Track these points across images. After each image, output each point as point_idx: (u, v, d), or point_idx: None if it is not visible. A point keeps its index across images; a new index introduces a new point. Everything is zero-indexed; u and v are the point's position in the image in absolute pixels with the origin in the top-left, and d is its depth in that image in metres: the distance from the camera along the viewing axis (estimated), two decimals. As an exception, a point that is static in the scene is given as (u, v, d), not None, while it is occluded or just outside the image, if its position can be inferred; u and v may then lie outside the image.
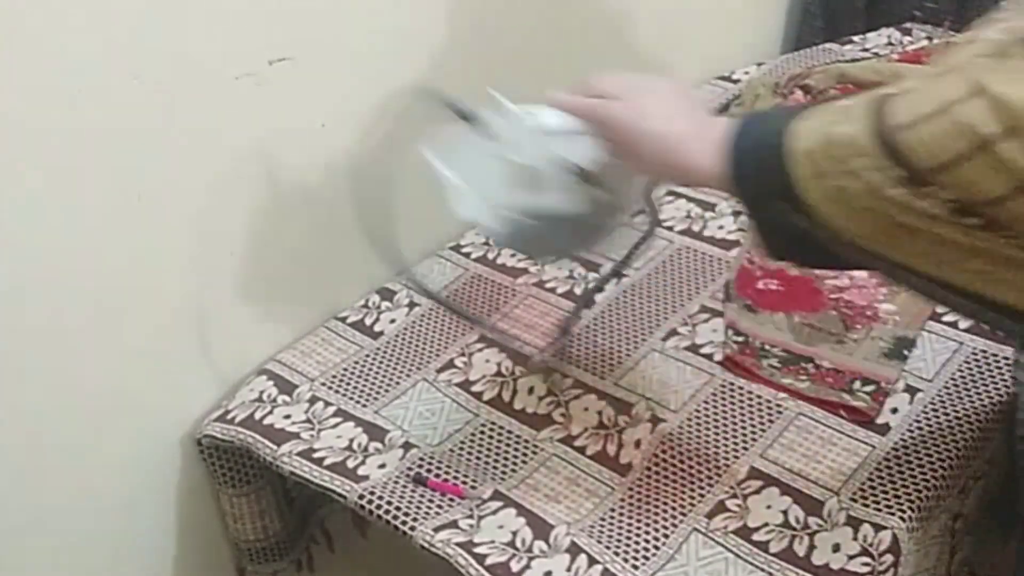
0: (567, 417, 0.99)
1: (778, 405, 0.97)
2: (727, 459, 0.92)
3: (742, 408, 0.97)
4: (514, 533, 0.87)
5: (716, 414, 0.97)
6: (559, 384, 1.00)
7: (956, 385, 0.97)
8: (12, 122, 0.81)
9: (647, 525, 0.87)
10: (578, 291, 1.13)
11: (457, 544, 0.85)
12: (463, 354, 1.08)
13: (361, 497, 0.91)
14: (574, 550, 0.85)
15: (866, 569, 0.82)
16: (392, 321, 1.13)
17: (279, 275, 1.09)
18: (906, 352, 0.98)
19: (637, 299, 1.13)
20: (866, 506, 0.86)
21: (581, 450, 0.95)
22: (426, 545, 0.86)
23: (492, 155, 0.77)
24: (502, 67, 1.24)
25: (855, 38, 1.60)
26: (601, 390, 1.00)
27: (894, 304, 1.02)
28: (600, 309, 1.11)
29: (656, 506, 0.89)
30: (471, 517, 0.88)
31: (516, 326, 1.10)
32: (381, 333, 1.12)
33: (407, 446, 0.97)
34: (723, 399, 0.98)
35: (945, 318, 1.04)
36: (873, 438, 0.92)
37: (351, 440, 0.98)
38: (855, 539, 0.84)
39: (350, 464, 0.95)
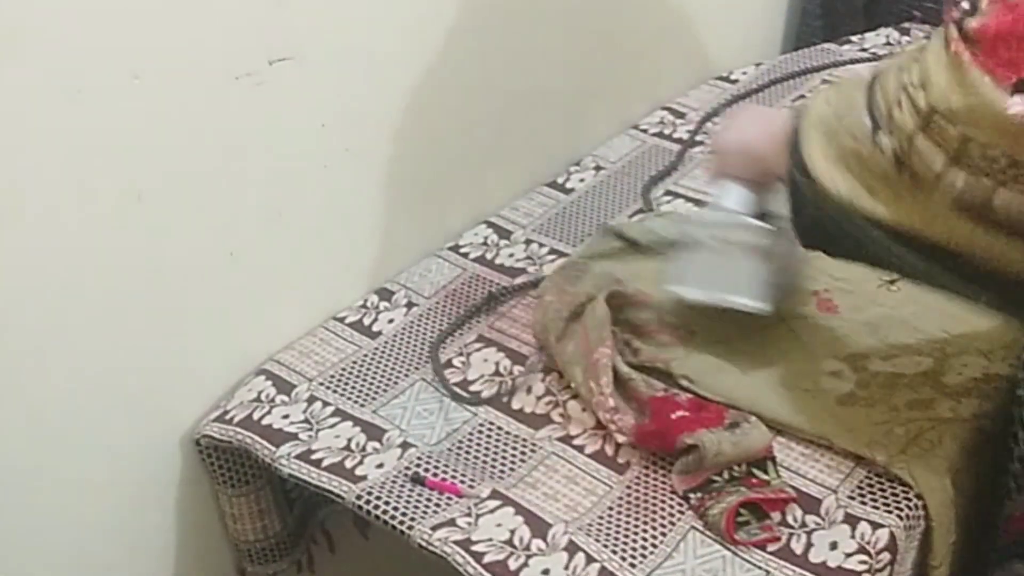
0: (565, 417, 0.99)
1: (776, 404, 0.97)
2: (725, 458, 0.92)
3: (740, 407, 0.97)
4: (512, 531, 0.87)
5: (714, 413, 0.97)
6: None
7: (954, 384, 0.97)
8: (12, 122, 0.82)
9: (645, 523, 0.88)
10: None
11: (455, 542, 0.86)
12: (461, 354, 1.08)
13: (359, 497, 0.91)
14: (572, 548, 0.85)
15: (863, 567, 0.82)
16: (390, 321, 1.13)
17: (278, 275, 1.09)
18: None
19: (635, 299, 1.13)
20: (864, 504, 0.86)
21: (579, 449, 0.95)
22: (424, 544, 0.86)
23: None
24: (502, 66, 1.25)
25: (854, 38, 1.60)
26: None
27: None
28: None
29: (654, 504, 0.89)
30: (469, 516, 0.88)
31: (514, 326, 1.10)
32: (380, 333, 1.12)
33: (405, 445, 0.97)
34: (721, 398, 0.98)
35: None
36: (871, 437, 0.92)
37: (349, 440, 0.98)
38: (852, 537, 0.84)
39: (348, 464, 0.95)
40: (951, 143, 0.71)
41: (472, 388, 1.03)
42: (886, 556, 0.83)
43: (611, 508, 0.89)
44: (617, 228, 1.20)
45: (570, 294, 1.04)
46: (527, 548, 0.85)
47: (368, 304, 1.16)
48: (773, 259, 0.97)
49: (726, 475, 0.88)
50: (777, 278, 0.98)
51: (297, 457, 0.97)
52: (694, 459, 0.88)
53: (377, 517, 0.90)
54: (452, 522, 0.88)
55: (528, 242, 1.24)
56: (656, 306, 1.05)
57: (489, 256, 1.22)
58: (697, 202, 1.26)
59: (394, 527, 0.89)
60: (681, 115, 1.47)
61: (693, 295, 1.00)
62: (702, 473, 0.88)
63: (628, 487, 0.91)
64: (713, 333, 1.04)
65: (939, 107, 0.70)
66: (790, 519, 0.86)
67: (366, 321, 1.14)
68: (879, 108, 0.75)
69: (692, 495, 0.88)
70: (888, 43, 1.57)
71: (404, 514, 0.89)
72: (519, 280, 1.16)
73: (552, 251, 1.21)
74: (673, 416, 0.92)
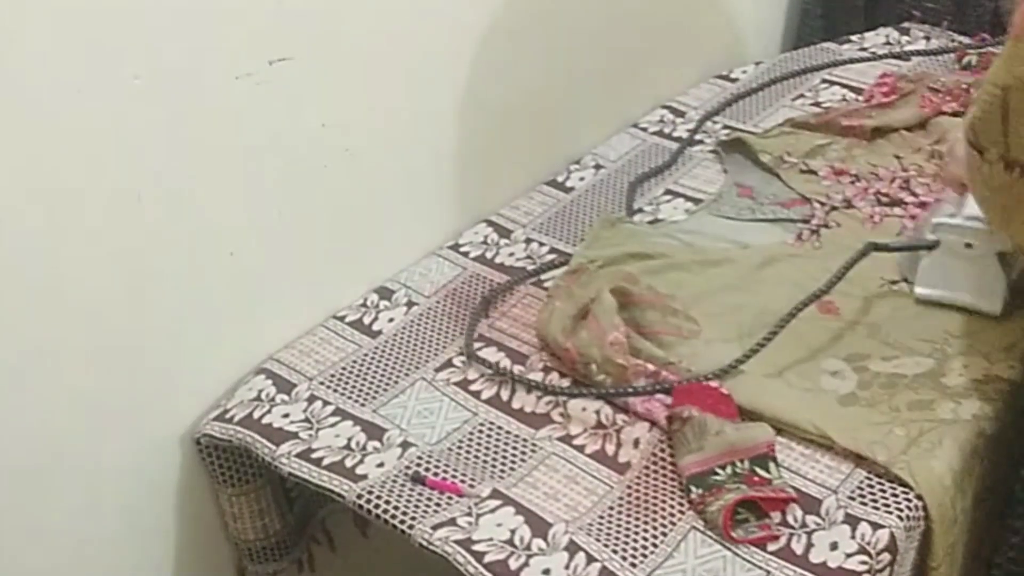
0: (566, 416, 0.99)
1: (776, 404, 0.97)
2: (725, 458, 0.92)
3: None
4: (512, 531, 0.87)
5: (714, 413, 0.97)
6: None
7: (954, 384, 0.97)
8: (12, 121, 0.82)
9: (645, 523, 0.88)
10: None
11: (455, 542, 0.86)
12: (461, 353, 1.08)
13: (359, 496, 0.91)
14: (572, 548, 0.85)
15: (863, 567, 0.82)
16: (391, 320, 1.13)
17: (277, 274, 1.09)
18: None
19: (636, 298, 1.13)
20: (864, 505, 0.87)
21: (580, 449, 0.95)
22: (424, 543, 0.86)
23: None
24: (502, 65, 1.25)
25: (853, 37, 1.60)
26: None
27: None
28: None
29: (654, 504, 0.89)
30: (469, 515, 0.89)
31: (514, 326, 1.10)
32: (380, 332, 1.12)
33: (405, 445, 0.97)
34: (721, 398, 0.98)
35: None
36: (871, 437, 0.92)
37: (349, 439, 0.98)
38: (853, 537, 0.84)
39: (348, 463, 0.96)
40: None
41: (472, 388, 1.03)
42: (886, 556, 0.83)
43: (612, 508, 0.89)
44: (617, 221, 1.22)
45: (578, 296, 1.04)
46: (528, 548, 0.86)
47: (368, 303, 1.16)
48: (1011, 263, 1.01)
49: (728, 470, 0.88)
50: (1012, 281, 1.02)
51: (297, 456, 0.97)
52: (692, 431, 0.90)
53: (378, 516, 0.90)
54: (453, 521, 0.88)
55: (528, 241, 1.24)
56: (661, 307, 1.05)
57: (489, 255, 1.22)
58: (697, 201, 1.27)
59: (395, 526, 0.89)
60: (681, 113, 1.47)
61: (937, 296, 1.04)
62: (707, 456, 0.89)
63: (629, 487, 0.91)
64: (716, 333, 1.04)
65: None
66: (790, 519, 0.86)
67: (366, 320, 1.14)
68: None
69: (694, 489, 0.88)
70: (888, 43, 1.57)
71: (405, 513, 0.89)
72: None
73: (552, 250, 1.21)
74: (704, 381, 0.95)
